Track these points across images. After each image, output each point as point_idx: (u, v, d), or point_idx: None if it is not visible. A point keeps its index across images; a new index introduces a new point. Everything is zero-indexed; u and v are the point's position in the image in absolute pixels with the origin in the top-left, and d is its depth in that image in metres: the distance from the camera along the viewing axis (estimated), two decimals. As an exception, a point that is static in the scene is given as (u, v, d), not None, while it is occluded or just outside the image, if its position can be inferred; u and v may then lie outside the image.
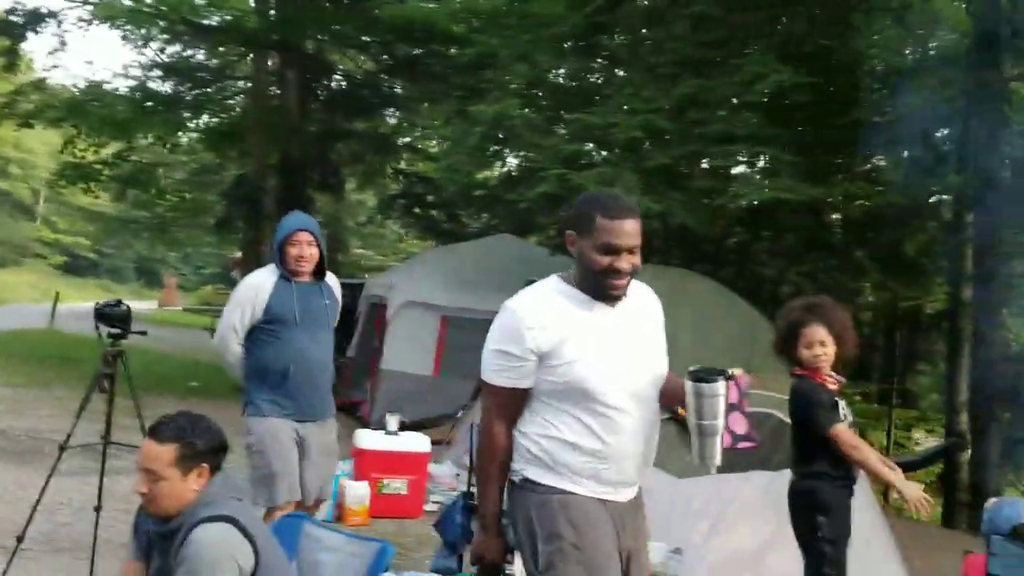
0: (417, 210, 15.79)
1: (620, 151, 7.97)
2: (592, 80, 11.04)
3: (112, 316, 4.47)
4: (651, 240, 12.85)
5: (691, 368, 2.41)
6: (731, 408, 6.28)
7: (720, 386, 2.39)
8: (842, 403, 3.58)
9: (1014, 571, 2.73)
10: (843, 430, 3.46)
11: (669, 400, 2.55)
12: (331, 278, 4.21)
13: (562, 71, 10.73)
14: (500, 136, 9.45)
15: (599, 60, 10.61)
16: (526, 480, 2.44)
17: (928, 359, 17.18)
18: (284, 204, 14.50)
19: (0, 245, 38.27)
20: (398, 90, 14.50)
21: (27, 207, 41.42)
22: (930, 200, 13.00)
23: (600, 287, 2.41)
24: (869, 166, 14.48)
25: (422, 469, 6.48)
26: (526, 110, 9.39)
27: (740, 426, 5.97)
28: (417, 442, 6.49)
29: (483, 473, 2.49)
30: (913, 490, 3.38)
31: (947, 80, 10.12)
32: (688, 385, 2.39)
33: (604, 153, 8.84)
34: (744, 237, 13.02)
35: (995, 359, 9.28)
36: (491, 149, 9.77)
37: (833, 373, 3.59)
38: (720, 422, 2.42)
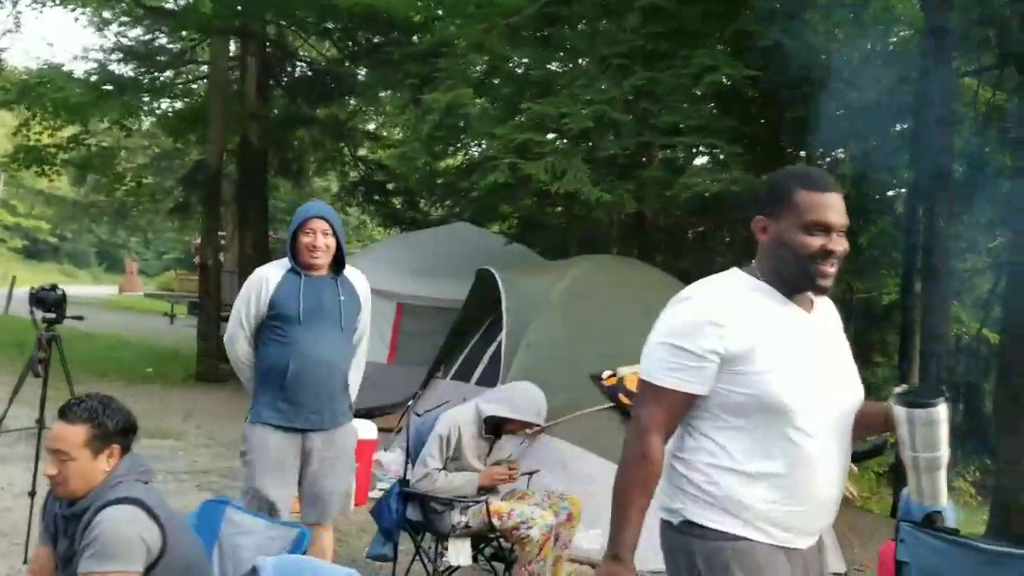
0: (377, 197, 15.75)
1: (573, 140, 8.02)
2: (552, 70, 11.08)
3: (47, 301, 4.42)
4: (609, 231, 12.96)
5: (898, 390, 2.02)
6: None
7: (940, 411, 1.96)
8: None
9: (921, 559, 2.79)
10: None
11: (862, 428, 2.12)
12: (353, 273, 3.90)
13: (524, 61, 10.77)
14: (460, 125, 9.45)
15: (560, 51, 10.65)
16: (688, 523, 2.00)
17: (884, 351, 17.44)
18: (244, 190, 14.44)
19: (-42, 229, 37.63)
20: (360, 77, 14.44)
21: (-15, 190, 40.72)
22: (888, 193, 13.21)
23: (806, 276, 2.02)
24: (829, 159, 14.68)
25: (367, 456, 6.50)
26: (483, 99, 9.41)
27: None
28: (363, 429, 6.49)
29: (626, 496, 1.96)
30: None
31: (900, 75, 10.27)
32: (899, 411, 1.98)
33: (564, 142, 8.89)
34: (700, 228, 13.17)
35: (942, 352, 9.44)
36: (450, 138, 9.77)
37: None
38: (943, 453, 1.98)
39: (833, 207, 2.01)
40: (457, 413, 4.33)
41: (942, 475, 1.99)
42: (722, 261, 14.18)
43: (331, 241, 3.74)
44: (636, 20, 7.68)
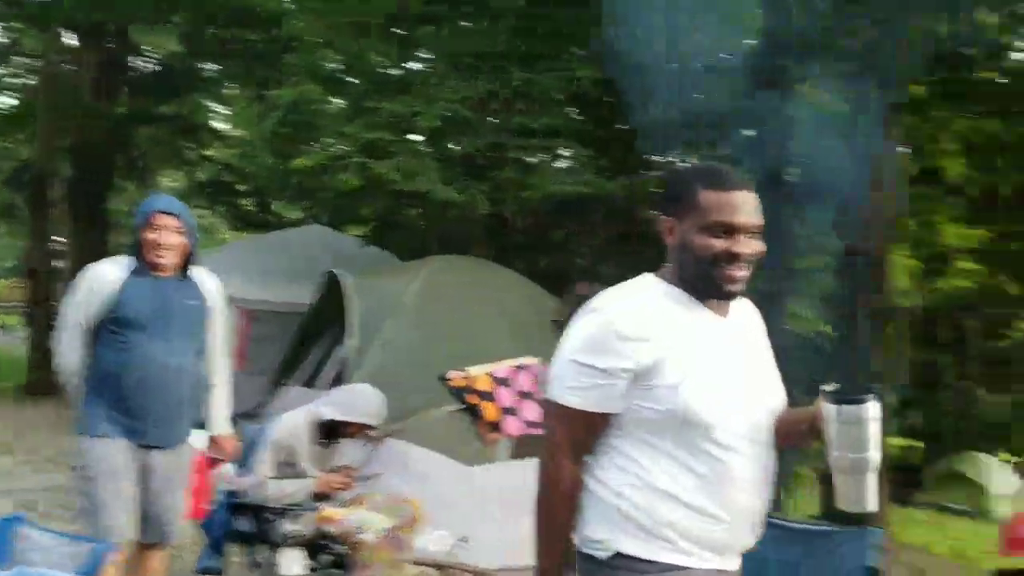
0: (226, 198, 15.19)
1: (427, 140, 7.94)
2: (410, 69, 10.97)
3: None
4: (471, 233, 12.99)
5: (827, 388, 1.85)
6: (525, 396, 6.37)
7: (869, 408, 1.80)
8: None
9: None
10: None
11: (785, 436, 1.97)
12: (203, 274, 3.61)
13: (382, 60, 10.61)
14: (310, 123, 9.21)
15: (415, 50, 10.55)
16: (620, 557, 1.83)
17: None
18: (80, 191, 13.61)
19: None
20: (208, 73, 13.88)
21: None
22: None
23: (710, 280, 1.88)
24: (682, 165, 15.17)
25: (203, 468, 6.19)
26: (336, 97, 9.20)
27: (534, 413, 6.08)
28: (197, 440, 6.18)
29: (543, 526, 1.88)
30: None
31: (741, 80, 10.70)
32: (828, 409, 1.83)
33: (420, 143, 8.79)
34: (560, 230, 13.33)
35: (784, 348, 9.87)
36: (298, 136, 9.50)
37: None
38: (872, 454, 1.82)
39: (739, 207, 1.86)
40: (291, 418, 4.18)
41: (870, 478, 1.83)
42: (581, 263, 14.44)
43: (180, 239, 3.46)
44: (487, 21, 7.67)
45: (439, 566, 4.92)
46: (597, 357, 1.82)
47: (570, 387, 1.85)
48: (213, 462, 4.32)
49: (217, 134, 16.45)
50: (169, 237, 3.43)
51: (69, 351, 3.49)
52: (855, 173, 9.38)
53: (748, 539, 1.94)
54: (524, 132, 8.11)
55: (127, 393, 3.39)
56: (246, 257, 10.41)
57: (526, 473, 5.64)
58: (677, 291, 1.91)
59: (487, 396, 6.13)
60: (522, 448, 5.95)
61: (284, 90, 7.78)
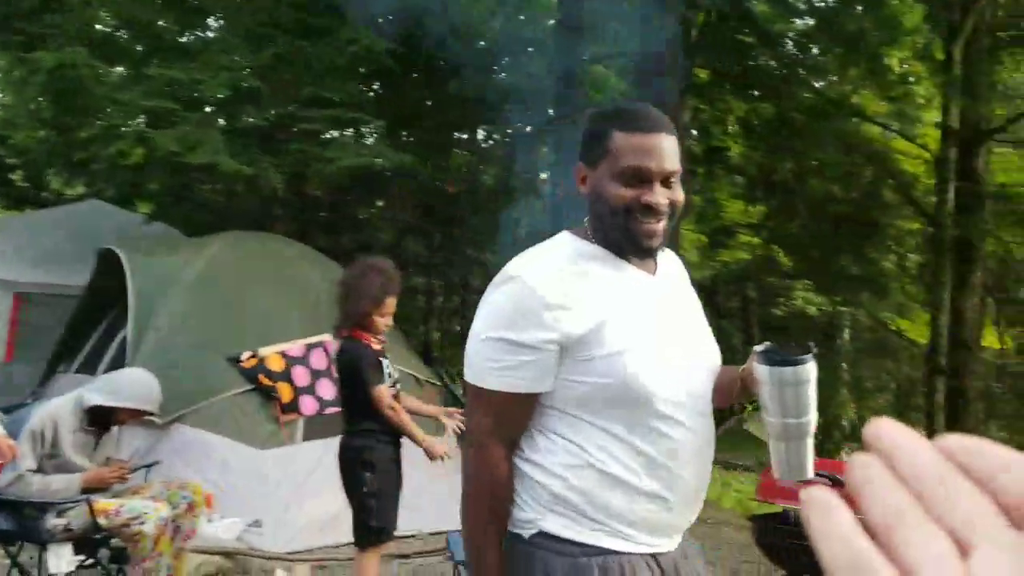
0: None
1: (211, 110, 7.52)
2: (198, 36, 10.37)
3: None
4: (272, 208, 12.53)
5: (759, 348, 1.63)
6: (319, 374, 6.20)
7: (809, 368, 1.59)
8: (386, 362, 3.67)
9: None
10: (384, 390, 3.55)
11: (722, 396, 1.80)
12: None
13: (163, 24, 9.96)
14: (78, 89, 8.51)
15: (200, 16, 9.99)
16: (544, 535, 1.65)
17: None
18: None
19: None
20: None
21: None
22: (542, 176, 14.08)
23: (626, 234, 1.65)
24: (493, 141, 15.32)
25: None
26: (111, 64, 8.55)
27: (328, 391, 5.95)
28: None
29: (475, 528, 1.67)
30: (438, 447, 3.58)
31: (540, 61, 10.93)
32: (763, 371, 1.59)
33: (207, 111, 8.31)
34: (364, 206, 13.15)
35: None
36: (65, 104, 8.72)
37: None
38: (812, 417, 1.62)
39: (654, 151, 1.64)
40: (53, 406, 3.86)
41: (809, 443, 1.65)
42: (385, 238, 14.32)
43: None
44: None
45: (226, 553, 4.74)
46: (520, 331, 1.61)
47: (492, 369, 1.64)
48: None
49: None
50: None
51: None
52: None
53: (690, 517, 1.78)
54: (314, 103, 7.86)
55: None
56: (16, 236, 9.58)
57: (319, 454, 5.55)
58: (597, 249, 1.71)
59: (281, 376, 5.94)
60: (315, 428, 5.83)
61: (46, 53, 7.09)
